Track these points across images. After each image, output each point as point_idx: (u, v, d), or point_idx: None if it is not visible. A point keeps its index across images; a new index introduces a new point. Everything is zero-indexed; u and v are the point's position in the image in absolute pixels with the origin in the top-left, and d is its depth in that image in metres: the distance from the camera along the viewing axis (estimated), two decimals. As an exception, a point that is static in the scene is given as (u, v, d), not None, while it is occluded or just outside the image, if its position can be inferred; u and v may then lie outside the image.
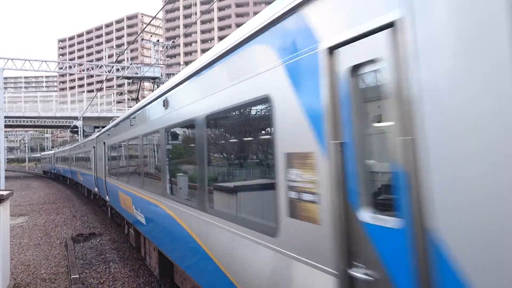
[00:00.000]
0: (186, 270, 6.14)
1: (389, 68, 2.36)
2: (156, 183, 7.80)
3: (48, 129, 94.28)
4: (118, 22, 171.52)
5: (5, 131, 31.37)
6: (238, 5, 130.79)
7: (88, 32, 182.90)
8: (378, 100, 2.53)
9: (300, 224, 3.19)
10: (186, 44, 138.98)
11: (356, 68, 2.65)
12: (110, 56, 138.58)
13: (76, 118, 54.29)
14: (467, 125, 1.94)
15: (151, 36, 35.06)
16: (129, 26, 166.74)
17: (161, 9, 14.48)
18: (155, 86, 32.07)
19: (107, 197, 15.75)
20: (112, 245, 13.31)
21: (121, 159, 12.12)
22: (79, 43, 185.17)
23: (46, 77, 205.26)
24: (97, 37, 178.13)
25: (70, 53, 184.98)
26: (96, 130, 37.46)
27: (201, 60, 5.38)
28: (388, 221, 2.42)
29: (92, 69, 36.87)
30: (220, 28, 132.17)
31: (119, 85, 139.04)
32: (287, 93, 3.33)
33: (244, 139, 4.65)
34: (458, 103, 1.98)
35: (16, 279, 9.69)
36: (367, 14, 2.52)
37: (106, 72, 36.43)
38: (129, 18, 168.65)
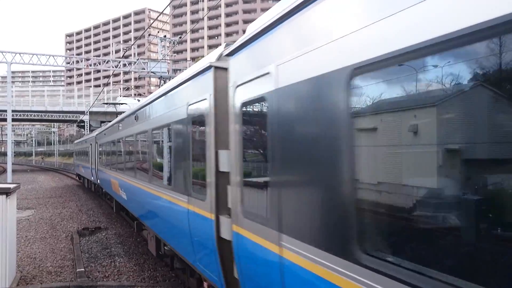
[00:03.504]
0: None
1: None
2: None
3: (55, 124, 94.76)
4: (125, 17, 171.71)
5: (12, 125, 31.59)
6: (245, 1, 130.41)
7: (95, 27, 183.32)
8: None
9: None
10: (193, 40, 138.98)
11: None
12: (117, 51, 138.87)
13: (83, 112, 54.45)
14: None
15: (158, 32, 35.05)
16: (136, 22, 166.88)
17: (168, 4, 14.45)
18: (162, 82, 32.19)
19: None
20: (118, 239, 13.38)
21: None
22: (86, 38, 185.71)
23: (54, 71, 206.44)
24: (105, 32, 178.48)
25: (78, 48, 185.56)
26: (102, 124, 37.61)
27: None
28: None
29: (99, 64, 36.99)
30: (227, 24, 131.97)
31: (126, 80, 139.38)
32: None
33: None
34: None
35: (22, 272, 9.77)
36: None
37: (113, 67, 36.51)
38: (136, 13, 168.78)
